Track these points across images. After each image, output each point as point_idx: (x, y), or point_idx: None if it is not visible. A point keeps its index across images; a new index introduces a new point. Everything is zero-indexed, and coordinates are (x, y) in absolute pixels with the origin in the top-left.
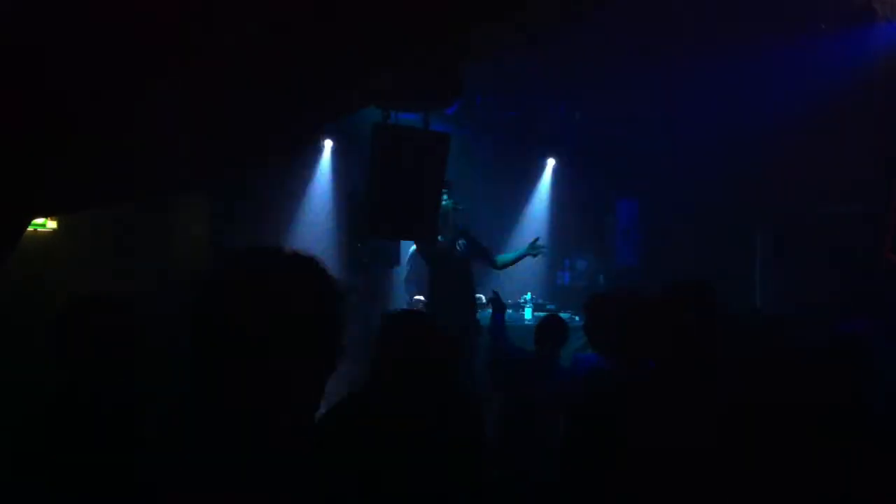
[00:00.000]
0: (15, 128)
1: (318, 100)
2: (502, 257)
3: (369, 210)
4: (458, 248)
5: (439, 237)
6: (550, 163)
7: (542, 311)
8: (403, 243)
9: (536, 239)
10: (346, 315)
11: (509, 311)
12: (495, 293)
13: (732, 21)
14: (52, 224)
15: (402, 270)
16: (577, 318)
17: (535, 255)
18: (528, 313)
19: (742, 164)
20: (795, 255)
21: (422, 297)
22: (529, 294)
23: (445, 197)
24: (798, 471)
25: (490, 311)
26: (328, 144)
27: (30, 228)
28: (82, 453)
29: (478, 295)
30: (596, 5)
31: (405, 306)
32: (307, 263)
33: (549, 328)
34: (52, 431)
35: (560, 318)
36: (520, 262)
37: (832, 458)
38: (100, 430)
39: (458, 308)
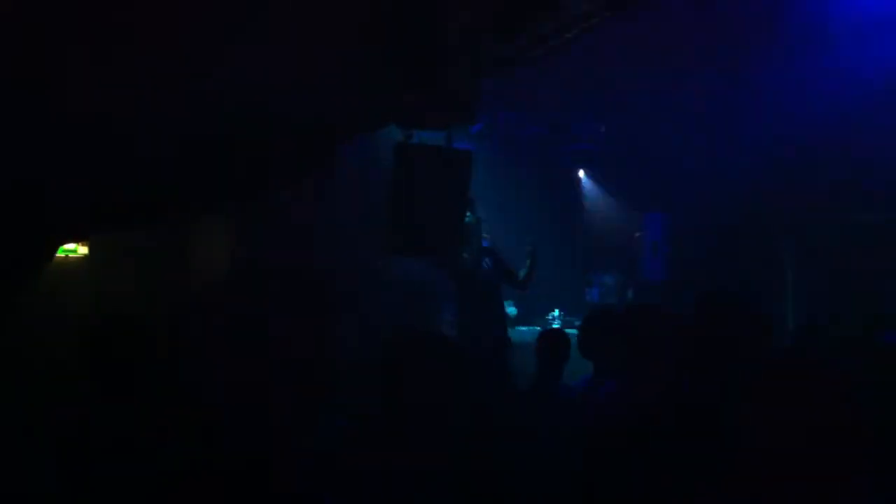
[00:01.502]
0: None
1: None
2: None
3: (392, 228)
4: (483, 265)
5: (464, 254)
6: (577, 178)
7: (571, 328)
8: None
9: (530, 244)
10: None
11: (537, 327)
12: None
13: (759, 33)
14: (83, 249)
15: None
16: None
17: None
18: None
19: (770, 176)
20: (826, 266)
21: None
22: (557, 310)
23: (468, 213)
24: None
25: (518, 328)
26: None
27: (60, 254)
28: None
29: (509, 309)
30: (617, 14)
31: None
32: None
33: (548, 344)
34: (79, 445)
35: (560, 331)
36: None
37: (869, 476)
38: (124, 447)
39: (486, 325)
